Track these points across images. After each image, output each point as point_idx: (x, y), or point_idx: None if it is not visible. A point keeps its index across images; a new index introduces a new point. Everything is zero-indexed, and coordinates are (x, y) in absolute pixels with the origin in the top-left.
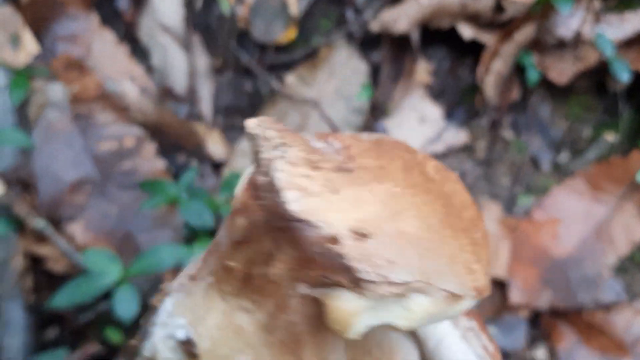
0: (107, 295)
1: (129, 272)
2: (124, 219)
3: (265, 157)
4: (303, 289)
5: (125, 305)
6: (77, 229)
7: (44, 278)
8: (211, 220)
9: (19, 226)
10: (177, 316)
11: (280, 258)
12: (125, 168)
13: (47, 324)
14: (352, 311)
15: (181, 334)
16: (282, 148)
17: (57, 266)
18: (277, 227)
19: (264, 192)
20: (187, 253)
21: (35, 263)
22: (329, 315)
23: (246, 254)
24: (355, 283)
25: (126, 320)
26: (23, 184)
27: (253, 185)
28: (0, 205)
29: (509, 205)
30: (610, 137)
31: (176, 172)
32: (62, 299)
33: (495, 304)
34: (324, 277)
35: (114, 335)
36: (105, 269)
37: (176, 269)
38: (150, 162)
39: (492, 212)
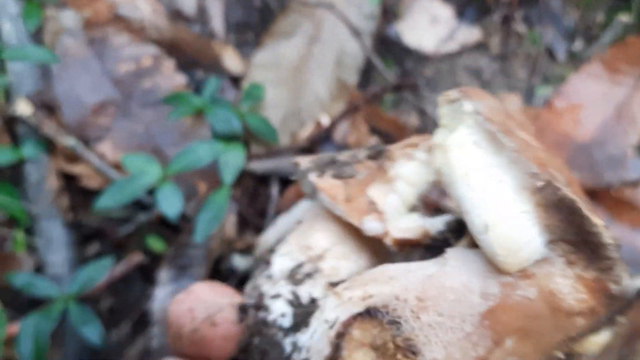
0: (145, 206)
1: (169, 170)
2: (151, 135)
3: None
4: None
5: (170, 203)
6: (106, 148)
7: (79, 197)
8: (239, 125)
9: (49, 147)
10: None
11: None
12: (146, 87)
13: (87, 241)
14: None
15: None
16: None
17: (91, 183)
18: None
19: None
20: (224, 149)
21: (69, 183)
22: None
23: None
24: None
25: (172, 217)
26: (47, 107)
27: (607, 295)
28: (29, 128)
29: (528, 97)
30: (624, 17)
31: (195, 88)
32: (107, 200)
33: None
34: None
35: (156, 244)
36: (145, 169)
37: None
38: (170, 78)
39: (512, 103)
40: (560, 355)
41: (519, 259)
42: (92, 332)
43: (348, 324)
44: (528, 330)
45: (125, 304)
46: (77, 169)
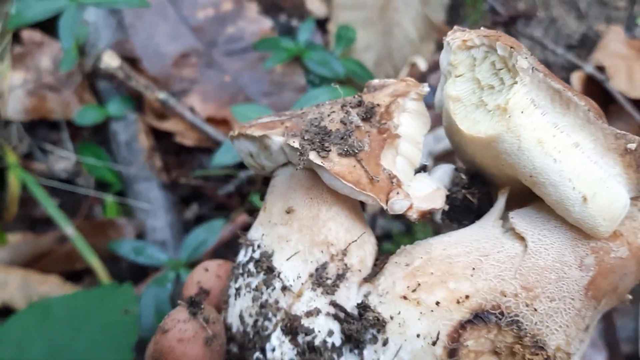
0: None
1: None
2: (241, 86)
3: None
4: None
5: None
6: (195, 102)
7: (170, 157)
8: (341, 68)
9: (136, 103)
10: None
11: None
12: (229, 33)
13: (184, 204)
14: None
15: None
16: None
17: (186, 140)
18: None
19: None
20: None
21: (159, 143)
22: None
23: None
24: None
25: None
26: (128, 60)
27: None
28: (112, 84)
29: (629, 28)
30: None
31: (280, 32)
32: (224, 156)
33: (636, 128)
34: None
35: (259, 202)
36: None
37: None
38: (255, 22)
39: (616, 35)
40: (629, 296)
41: (617, 224)
42: None
43: (457, 335)
44: (617, 285)
45: None
46: (168, 125)
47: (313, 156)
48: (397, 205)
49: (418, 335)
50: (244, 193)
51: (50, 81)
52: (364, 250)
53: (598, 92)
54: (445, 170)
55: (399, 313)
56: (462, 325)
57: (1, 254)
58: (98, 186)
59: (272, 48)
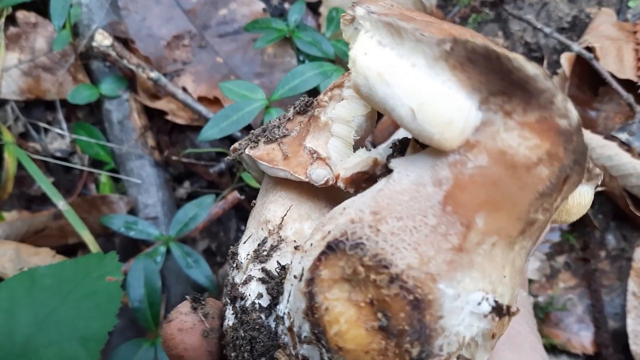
0: (235, 140)
1: (274, 97)
2: (232, 67)
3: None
4: None
5: None
6: (187, 82)
7: (162, 136)
8: (331, 49)
9: (129, 83)
10: None
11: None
12: (222, 16)
13: (177, 182)
14: None
15: None
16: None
17: (178, 119)
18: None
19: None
20: (334, 70)
21: (152, 123)
22: None
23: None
24: None
25: None
26: (121, 41)
27: (558, 131)
28: (105, 64)
29: (621, 11)
30: None
31: (272, 15)
32: (211, 130)
33: (625, 109)
34: None
35: (252, 180)
36: (250, 96)
37: (316, 91)
38: (247, 5)
39: (607, 17)
40: (540, 215)
41: (456, 130)
42: (198, 274)
43: (314, 268)
44: (494, 201)
45: (221, 244)
46: (160, 104)
47: (247, 149)
48: (314, 174)
49: (295, 277)
50: (235, 171)
51: (45, 61)
52: (304, 224)
53: (588, 73)
54: (386, 144)
55: (291, 262)
56: (319, 258)
57: None
58: (92, 165)
59: (263, 29)
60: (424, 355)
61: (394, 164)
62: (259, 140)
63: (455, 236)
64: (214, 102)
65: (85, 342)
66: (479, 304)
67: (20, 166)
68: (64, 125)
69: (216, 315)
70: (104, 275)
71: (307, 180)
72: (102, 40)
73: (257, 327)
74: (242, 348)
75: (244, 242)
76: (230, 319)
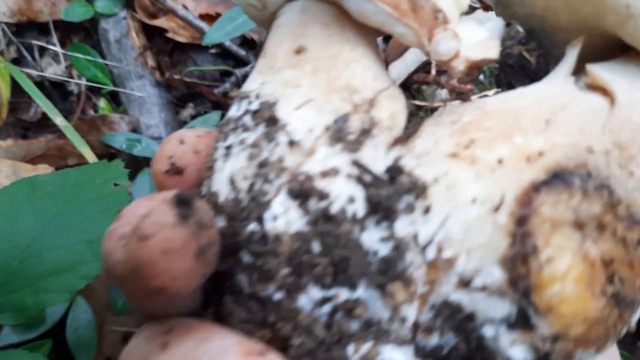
0: (241, 62)
1: None
2: None
3: None
4: None
5: None
6: (187, 1)
7: (164, 58)
8: None
9: (127, 1)
10: None
11: None
12: None
13: (180, 104)
14: None
15: None
16: None
17: (179, 36)
18: None
19: None
20: None
21: (151, 43)
22: None
23: None
24: None
25: None
26: None
27: None
28: None
29: None
30: None
31: None
32: (217, 34)
33: None
34: None
35: None
36: None
37: None
38: None
39: None
40: None
41: None
42: None
43: (528, 200)
44: None
45: None
46: (160, 22)
47: None
48: (444, 45)
49: (474, 201)
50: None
51: None
52: (396, 104)
53: None
54: (495, 24)
55: (446, 174)
56: (536, 187)
57: None
58: (90, 89)
59: None
60: None
61: (605, 77)
62: None
63: None
64: (216, 18)
65: (91, 245)
66: None
67: (14, 92)
68: (59, 48)
69: (211, 221)
70: (109, 180)
71: (426, 47)
72: None
73: (350, 244)
74: (316, 269)
75: (298, 108)
76: (288, 222)
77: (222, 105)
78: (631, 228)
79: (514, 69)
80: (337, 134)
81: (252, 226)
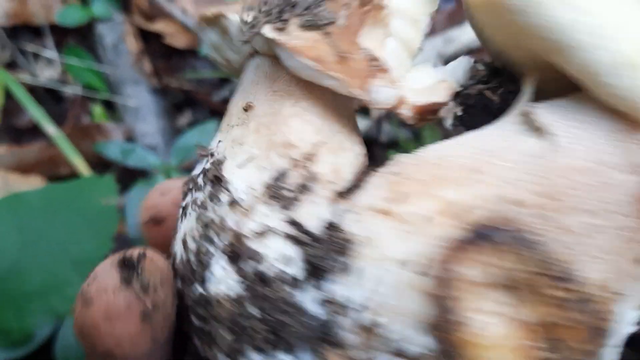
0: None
1: None
2: None
3: None
4: None
5: None
6: (186, 3)
7: (160, 62)
8: None
9: (124, 5)
10: None
11: None
12: None
13: (178, 110)
14: None
15: None
16: None
17: (176, 41)
18: None
19: None
20: None
21: (149, 47)
22: None
23: None
24: None
25: None
26: None
27: None
28: None
29: None
30: None
31: None
32: None
33: None
34: None
35: None
36: None
37: None
38: None
39: None
40: None
41: None
42: None
43: (452, 260)
44: None
45: None
46: (157, 26)
47: (267, 29)
48: (381, 93)
49: (404, 263)
50: None
51: None
52: (341, 157)
53: None
54: (459, 63)
55: (378, 234)
56: (461, 247)
57: None
58: (85, 94)
59: None
60: None
61: (546, 119)
62: (286, 19)
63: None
64: None
65: (77, 265)
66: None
67: (7, 97)
68: (55, 52)
69: (162, 283)
70: (99, 198)
71: (360, 97)
72: None
73: (286, 308)
74: (254, 333)
75: (240, 166)
76: (227, 286)
77: (220, 112)
78: (567, 289)
79: (476, 109)
80: (275, 191)
81: (199, 289)
